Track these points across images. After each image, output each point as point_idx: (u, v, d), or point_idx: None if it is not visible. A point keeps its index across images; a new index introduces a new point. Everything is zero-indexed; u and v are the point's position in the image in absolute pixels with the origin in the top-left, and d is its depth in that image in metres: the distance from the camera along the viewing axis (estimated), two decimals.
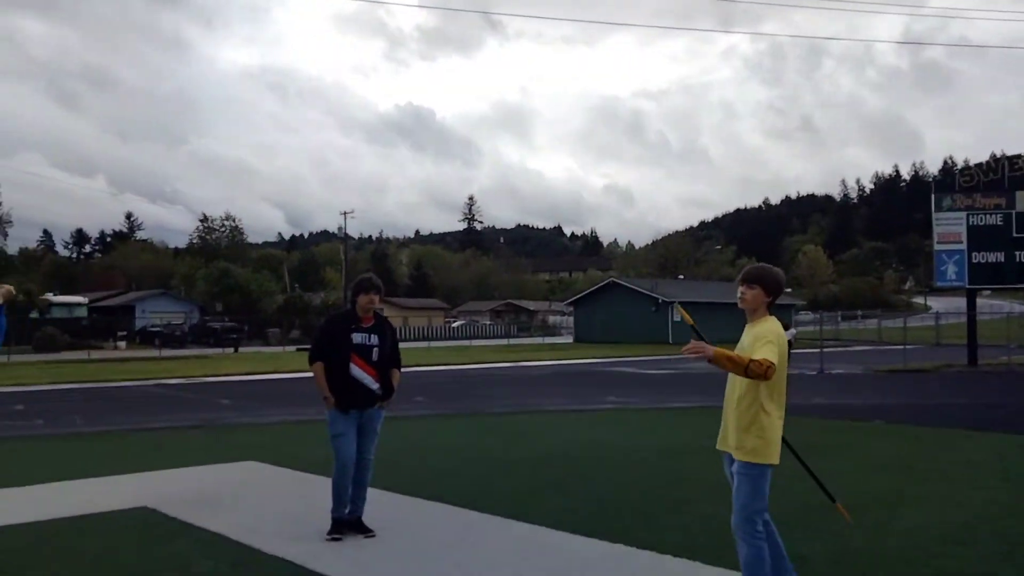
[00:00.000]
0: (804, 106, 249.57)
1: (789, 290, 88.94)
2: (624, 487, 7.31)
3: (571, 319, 61.16)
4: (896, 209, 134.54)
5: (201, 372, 24.59)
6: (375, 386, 5.77)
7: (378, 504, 6.71)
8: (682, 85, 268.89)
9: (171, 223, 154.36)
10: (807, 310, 70.22)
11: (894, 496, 6.83)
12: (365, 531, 5.70)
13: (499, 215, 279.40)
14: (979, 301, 38.49)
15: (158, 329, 47.02)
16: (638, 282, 57.56)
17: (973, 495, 6.85)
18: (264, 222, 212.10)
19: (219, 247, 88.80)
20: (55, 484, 7.56)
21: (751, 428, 3.97)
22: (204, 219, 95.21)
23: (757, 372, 3.71)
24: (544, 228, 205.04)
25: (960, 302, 29.66)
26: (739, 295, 4.14)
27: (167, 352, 38.70)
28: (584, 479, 7.71)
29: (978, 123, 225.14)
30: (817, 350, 28.10)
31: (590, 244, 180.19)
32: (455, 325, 72.36)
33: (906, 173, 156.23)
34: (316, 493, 7.15)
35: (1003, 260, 26.04)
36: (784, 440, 4.27)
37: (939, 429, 11.44)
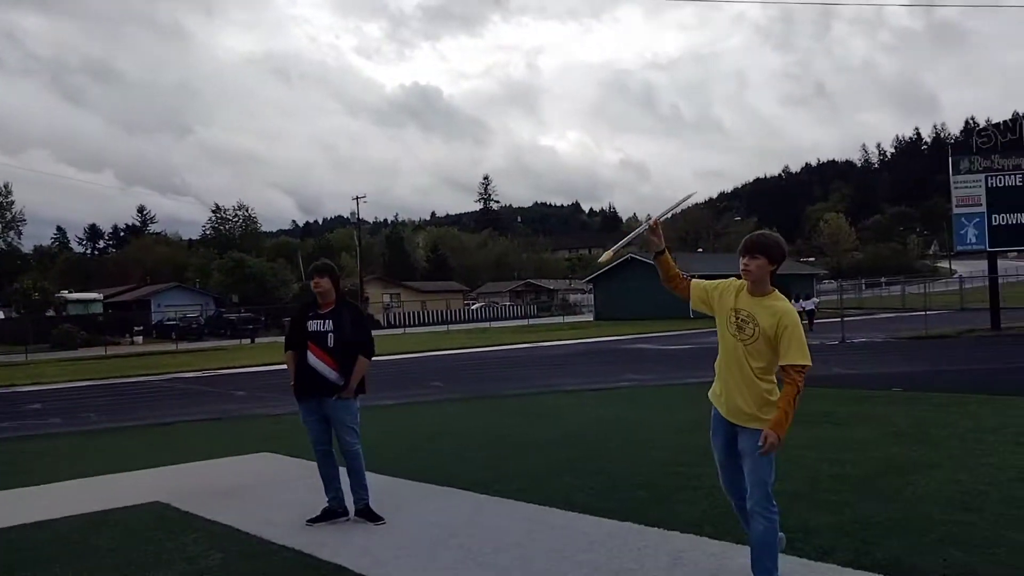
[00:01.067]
0: (818, 72, 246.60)
1: (812, 259, 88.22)
2: (637, 465, 7.31)
3: (591, 297, 61.02)
4: (919, 172, 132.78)
5: (218, 364, 24.88)
6: (332, 375, 5.60)
7: (388, 490, 6.76)
8: (693, 54, 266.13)
9: (182, 215, 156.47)
10: (830, 279, 69.60)
11: (908, 464, 6.78)
12: (375, 519, 5.73)
13: (515, 194, 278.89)
14: (1003, 263, 38.01)
15: (174, 323, 47.52)
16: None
17: (986, 460, 6.78)
18: (276, 210, 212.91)
19: (233, 237, 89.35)
20: (72, 482, 7.68)
21: (771, 403, 3.90)
22: (216, 209, 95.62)
23: (802, 388, 3.74)
24: (562, 205, 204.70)
25: (984, 265, 29.25)
26: (743, 267, 4.00)
27: (184, 345, 39.12)
28: (598, 458, 7.72)
29: (996, 82, 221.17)
30: (839, 319, 27.89)
31: (609, 220, 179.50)
32: (474, 307, 72.51)
33: (927, 135, 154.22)
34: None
35: (1023, 222, 25.65)
36: None
37: (957, 395, 11.32)
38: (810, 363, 3.76)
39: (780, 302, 3.92)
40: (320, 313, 5.68)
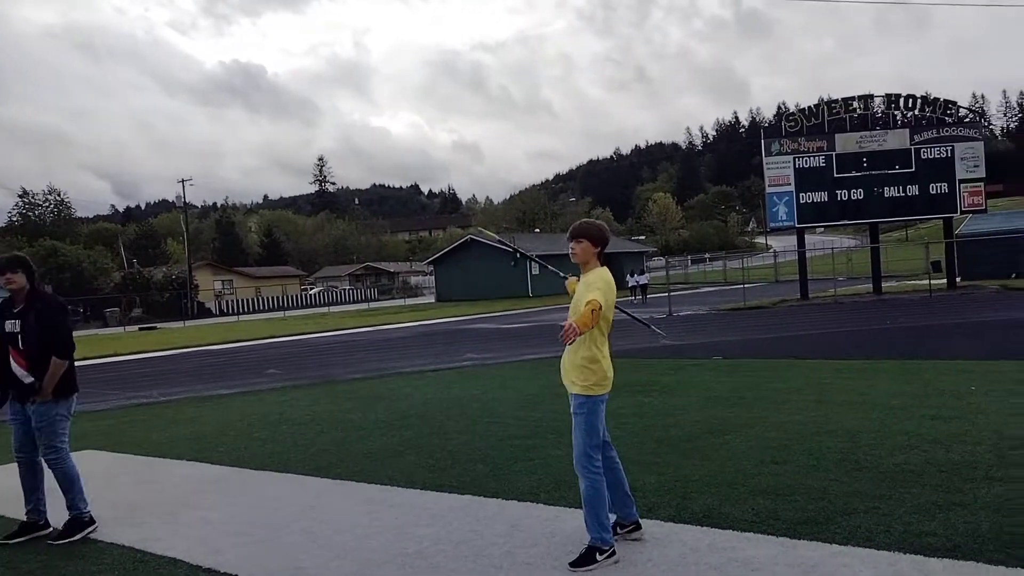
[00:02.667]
0: (638, 57, 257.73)
1: (643, 237, 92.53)
2: (476, 440, 7.50)
3: (432, 279, 61.16)
4: (737, 154, 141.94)
5: None
6: (29, 379, 5.22)
7: (227, 479, 6.60)
8: (520, 37, 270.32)
9: None
10: (659, 255, 73.31)
11: (724, 425, 7.37)
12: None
13: (352, 176, 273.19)
14: (811, 239, 41.46)
15: None
16: (496, 239, 58.11)
17: (792, 418, 7.49)
18: (90, 194, 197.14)
19: (44, 224, 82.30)
20: None
21: (585, 364, 4.22)
22: (24, 194, 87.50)
23: (592, 318, 4.00)
24: (401, 187, 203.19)
25: (795, 241, 31.84)
26: (570, 251, 4.40)
27: None
28: (439, 436, 7.85)
29: (801, 70, 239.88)
30: (666, 294, 29.51)
31: (448, 202, 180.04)
32: (312, 292, 70.85)
33: (744, 119, 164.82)
34: (158, 477, 6.96)
35: (826, 199, 28.13)
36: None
37: (769, 360, 12.35)
38: (599, 300, 4.07)
39: (596, 272, 4.31)
40: (13, 312, 5.31)
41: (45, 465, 5.36)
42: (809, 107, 28.94)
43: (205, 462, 7.38)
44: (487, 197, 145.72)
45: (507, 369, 13.78)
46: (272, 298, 61.33)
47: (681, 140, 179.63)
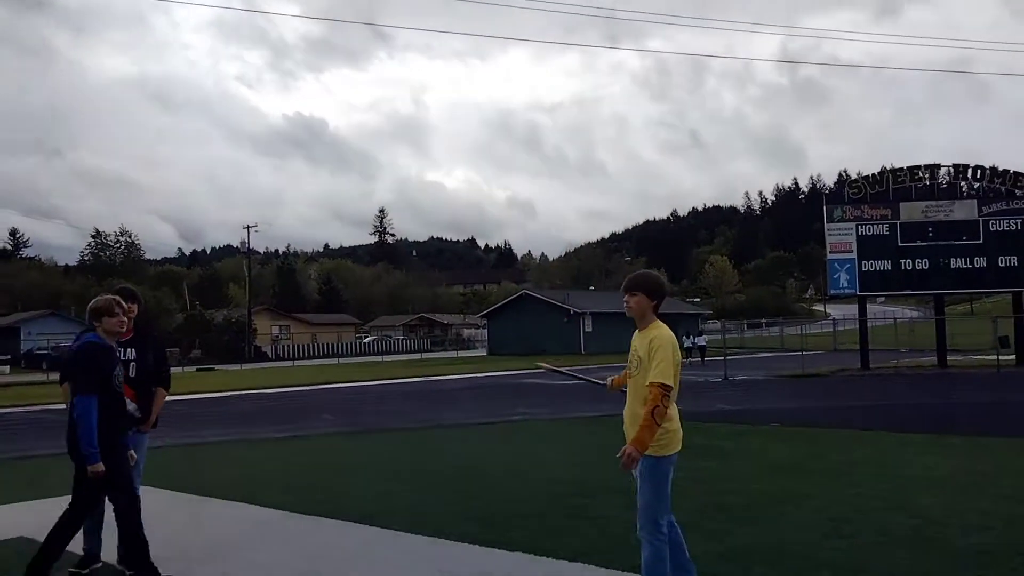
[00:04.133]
0: (691, 121, 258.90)
1: (698, 300, 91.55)
2: (528, 497, 7.35)
3: (485, 332, 61.27)
4: (796, 220, 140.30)
5: None
6: (132, 407, 5.20)
7: (274, 523, 6.56)
8: (576, 99, 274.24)
9: (56, 240, 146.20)
10: (714, 319, 72.34)
11: (784, 494, 7.09)
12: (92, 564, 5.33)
13: (409, 229, 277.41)
14: (872, 308, 40.50)
15: (46, 352, 44.75)
16: (550, 293, 58.20)
17: (855, 491, 7.18)
18: (156, 237, 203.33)
19: (114, 264, 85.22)
20: None
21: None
22: (96, 235, 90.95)
23: (661, 405, 3.85)
24: (457, 241, 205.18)
25: (856, 309, 31.10)
26: (624, 304, 4.23)
27: (55, 376, 36.90)
28: (490, 490, 7.72)
29: (858, 137, 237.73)
30: (722, 358, 28.99)
31: (504, 256, 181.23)
32: (367, 340, 71.50)
33: (804, 185, 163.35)
34: (207, 517, 6.96)
35: (890, 268, 27.48)
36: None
37: (830, 430, 11.94)
38: (669, 383, 3.90)
39: (657, 330, 4.10)
40: (120, 341, 5.20)
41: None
42: (873, 174, 28.53)
43: (254, 504, 7.37)
44: (542, 253, 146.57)
45: (560, 425, 13.60)
46: (328, 344, 62.10)
47: (739, 203, 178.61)
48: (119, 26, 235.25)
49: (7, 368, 43.25)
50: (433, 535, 5.97)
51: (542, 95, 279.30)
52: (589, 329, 49.47)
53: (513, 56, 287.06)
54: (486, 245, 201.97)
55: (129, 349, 5.31)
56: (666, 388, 3.87)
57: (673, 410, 4.09)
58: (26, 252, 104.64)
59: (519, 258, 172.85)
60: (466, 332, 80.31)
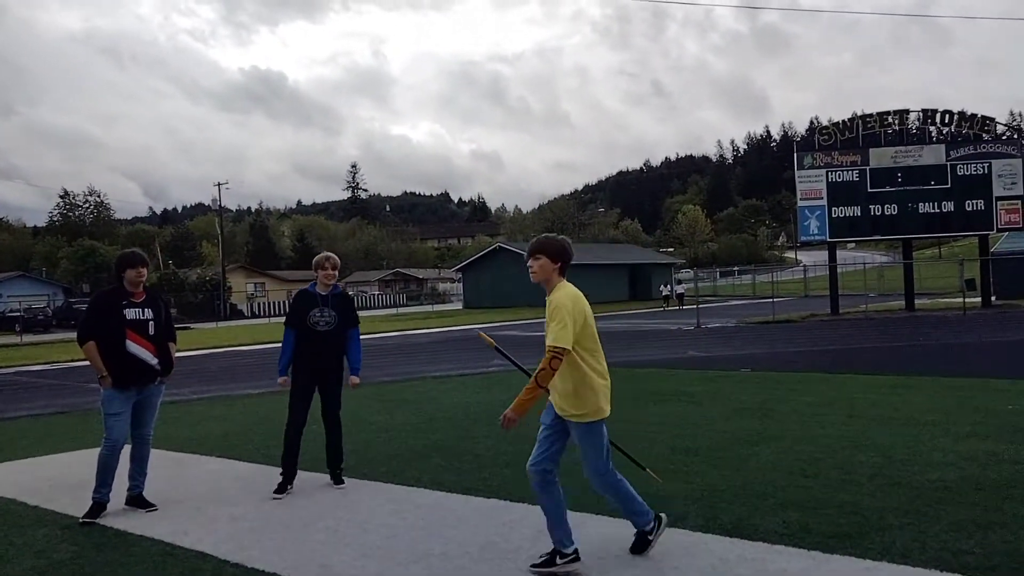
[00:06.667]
0: (654, 70, 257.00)
1: (671, 249, 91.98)
2: (504, 444, 7.48)
3: (460, 286, 61.31)
4: (768, 168, 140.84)
5: (67, 357, 23.35)
6: (154, 361, 5.73)
7: (252, 478, 6.65)
8: (537, 49, 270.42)
9: (14, 200, 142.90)
10: (687, 268, 72.85)
11: (753, 437, 7.29)
12: (147, 506, 5.75)
13: (380, 184, 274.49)
14: (842, 254, 41.03)
15: (18, 313, 44.22)
16: (524, 246, 58.05)
17: (822, 432, 7.39)
18: (119, 196, 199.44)
19: (84, 224, 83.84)
20: None
21: (574, 392, 4.07)
22: (65, 195, 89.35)
23: (548, 369, 3.88)
24: (431, 195, 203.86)
25: (826, 255, 31.47)
26: (529, 271, 4.19)
27: (29, 338, 36.57)
28: (466, 440, 7.85)
29: (821, 85, 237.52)
30: (694, 306, 29.32)
31: (478, 210, 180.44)
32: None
33: (776, 133, 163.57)
34: (188, 472, 7.03)
35: (859, 214, 27.79)
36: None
37: (799, 374, 12.20)
38: (563, 346, 3.88)
39: (558, 292, 4.09)
40: (136, 302, 5.70)
41: (136, 444, 5.83)
42: (843, 121, 28.65)
43: (233, 459, 7.44)
44: (516, 206, 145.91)
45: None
46: None
47: (711, 153, 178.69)
48: None
49: None
50: (412, 484, 6.10)
51: (503, 45, 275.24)
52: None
53: (472, 5, 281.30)
54: (460, 199, 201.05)
55: (146, 309, 5.72)
56: (558, 351, 3.87)
57: (601, 366, 4.14)
58: None
59: (493, 212, 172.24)
60: (441, 286, 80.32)
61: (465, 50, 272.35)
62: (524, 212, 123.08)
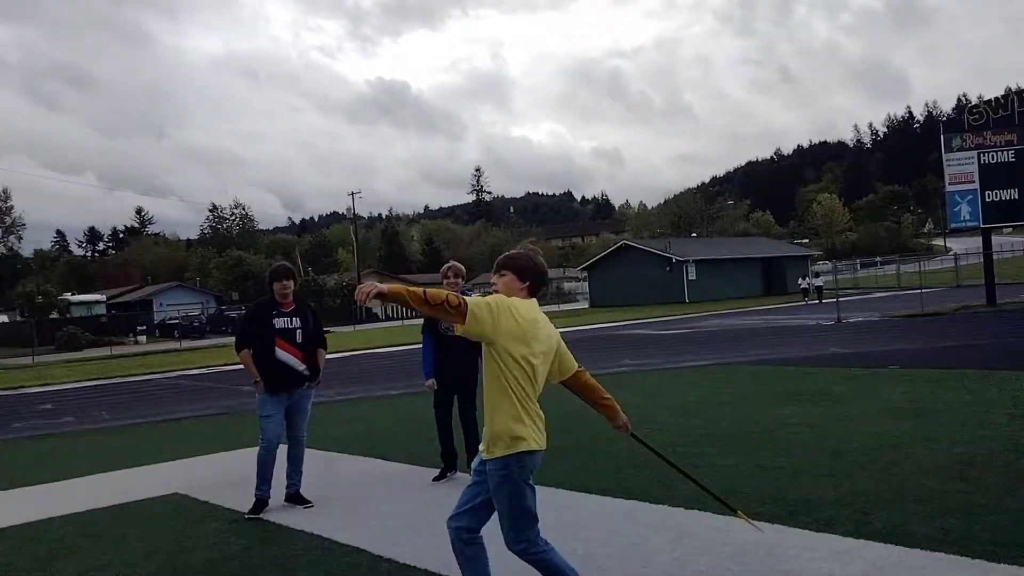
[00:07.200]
0: (781, 56, 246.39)
1: (807, 241, 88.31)
2: (638, 446, 7.44)
3: (585, 284, 61.24)
4: (912, 151, 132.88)
5: (220, 361, 24.97)
6: (301, 367, 6.07)
7: (401, 477, 6.93)
8: (658, 41, 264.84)
9: (173, 216, 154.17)
10: (824, 259, 69.84)
11: (905, 438, 6.95)
12: (304, 502, 6.09)
13: (503, 186, 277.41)
14: (997, 239, 38.26)
15: (177, 321, 47.69)
16: (650, 242, 57.55)
17: (981, 433, 6.96)
18: (259, 208, 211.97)
19: (231, 236, 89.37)
20: (91, 477, 7.86)
21: (502, 434, 3.45)
22: (213, 208, 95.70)
23: (442, 301, 3.18)
24: (553, 195, 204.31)
25: (979, 242, 29.43)
26: (492, 288, 3.59)
27: (187, 343, 39.27)
28: (601, 441, 7.87)
29: (967, 61, 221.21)
30: (834, 299, 28.09)
31: (601, 208, 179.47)
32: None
33: (920, 114, 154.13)
34: (337, 470, 7.40)
35: (1017, 197, 25.83)
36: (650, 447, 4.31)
37: (953, 371, 11.50)
38: (468, 304, 3.22)
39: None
40: (284, 312, 6.09)
41: (290, 444, 6.24)
42: (996, 98, 26.72)
43: (380, 458, 7.78)
44: (640, 202, 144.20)
45: (666, 376, 13.60)
46: None
47: (847, 138, 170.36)
48: (206, 8, 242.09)
49: (144, 337, 46.39)
50: (551, 485, 6.19)
51: (621, 40, 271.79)
52: (693, 277, 48.69)
53: (589, 3, 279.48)
54: (582, 197, 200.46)
55: (294, 318, 6.10)
56: (461, 303, 3.20)
57: (529, 415, 3.56)
58: (151, 229, 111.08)
59: (616, 208, 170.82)
60: (567, 285, 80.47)
61: (583, 48, 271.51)
62: (649, 208, 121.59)
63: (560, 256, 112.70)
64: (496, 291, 3.49)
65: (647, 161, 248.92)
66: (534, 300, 3.50)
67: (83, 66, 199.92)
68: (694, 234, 76.56)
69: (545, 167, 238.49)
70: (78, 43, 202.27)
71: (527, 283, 3.49)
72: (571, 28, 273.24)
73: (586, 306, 55.71)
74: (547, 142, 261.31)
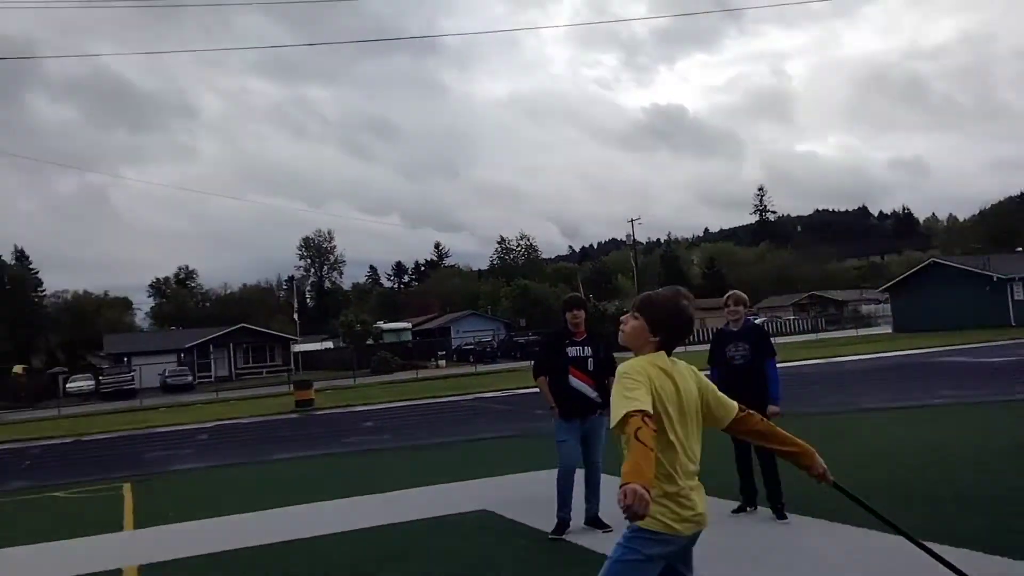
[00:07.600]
0: None
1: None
2: (963, 488, 6.73)
3: (887, 307, 56.30)
4: None
5: (512, 385, 26.36)
6: (593, 394, 6.21)
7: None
8: (963, 37, 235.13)
9: (465, 248, 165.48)
10: None
11: None
12: (603, 526, 6.15)
13: (787, 203, 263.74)
14: None
15: (471, 347, 51.25)
16: (965, 259, 51.58)
17: None
18: (541, 237, 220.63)
19: (517, 265, 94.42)
20: (412, 490, 8.72)
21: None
22: (501, 240, 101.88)
23: (634, 434, 2.56)
24: (846, 211, 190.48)
25: None
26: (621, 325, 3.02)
27: (481, 367, 42.02)
28: (917, 480, 7.21)
29: None
30: None
31: (902, 222, 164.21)
32: (757, 322, 69.92)
33: None
34: None
35: None
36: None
37: None
38: (628, 409, 2.62)
39: (633, 361, 2.88)
40: (576, 341, 6.34)
41: (587, 470, 6.41)
42: None
43: None
44: (949, 215, 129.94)
45: (993, 409, 12.09)
46: (714, 328, 62.04)
47: None
48: (493, 56, 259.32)
49: (444, 362, 50.53)
50: (863, 526, 5.78)
51: (919, 41, 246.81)
52: (1020, 297, 42.83)
53: (881, 6, 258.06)
54: (880, 212, 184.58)
55: (586, 347, 6.38)
56: (636, 414, 2.61)
57: (678, 474, 2.91)
58: (448, 261, 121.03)
59: (920, 223, 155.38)
60: (864, 308, 74.52)
61: (875, 53, 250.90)
62: (960, 220, 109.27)
63: (856, 277, 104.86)
64: (623, 330, 2.98)
65: (956, 169, 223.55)
66: (663, 353, 2.90)
67: (390, 118, 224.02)
68: (1019, 248, 67.31)
69: (835, 182, 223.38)
70: (385, 98, 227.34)
71: (658, 337, 2.89)
72: (859, 34, 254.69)
73: (889, 331, 51.16)
74: (836, 155, 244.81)
